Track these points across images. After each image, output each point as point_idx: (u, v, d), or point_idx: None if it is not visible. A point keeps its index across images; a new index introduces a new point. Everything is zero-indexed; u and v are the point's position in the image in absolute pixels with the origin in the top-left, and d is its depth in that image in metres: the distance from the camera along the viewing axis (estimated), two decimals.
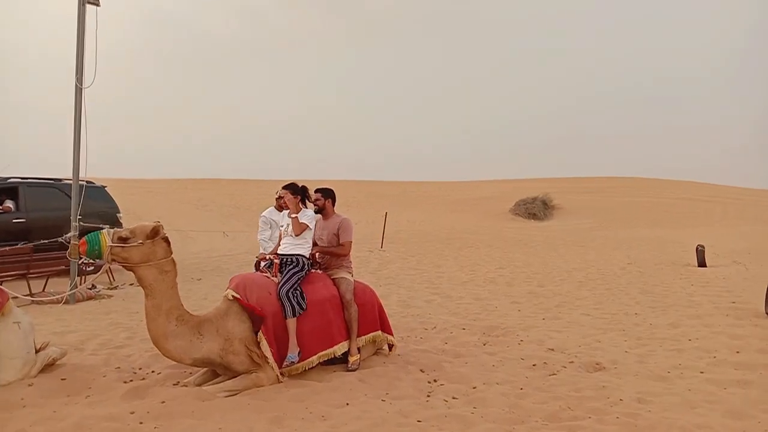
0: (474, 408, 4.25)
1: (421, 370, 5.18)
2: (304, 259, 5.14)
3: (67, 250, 9.19)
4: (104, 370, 5.01)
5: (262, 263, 5.33)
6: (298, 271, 5.02)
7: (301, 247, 5.15)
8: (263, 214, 7.13)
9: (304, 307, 4.87)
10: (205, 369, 4.80)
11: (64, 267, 9.89)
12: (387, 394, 4.49)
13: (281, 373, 4.72)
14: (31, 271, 9.48)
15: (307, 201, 5.35)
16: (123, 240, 4.27)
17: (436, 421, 3.95)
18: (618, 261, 15.31)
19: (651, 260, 15.52)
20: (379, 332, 5.55)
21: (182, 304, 4.52)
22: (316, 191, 5.56)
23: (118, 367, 5.12)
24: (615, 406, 4.40)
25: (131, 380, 4.75)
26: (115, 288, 10.30)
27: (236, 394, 4.41)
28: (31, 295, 8.94)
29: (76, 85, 8.70)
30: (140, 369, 5.13)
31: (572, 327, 7.28)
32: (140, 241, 4.30)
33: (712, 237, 21.73)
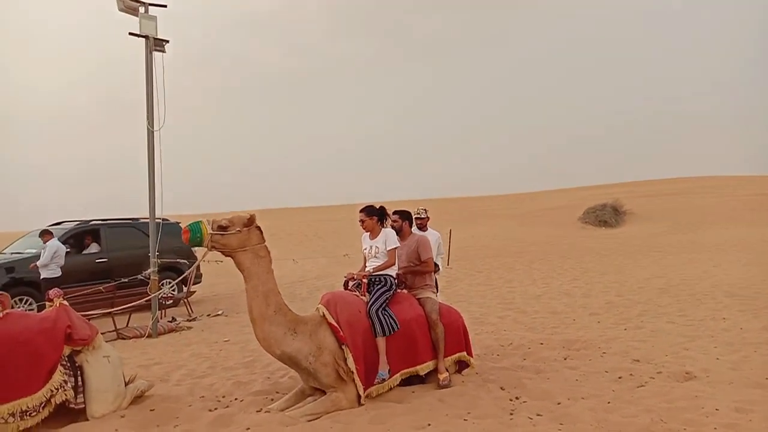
0: (561, 424, 4.11)
1: (501, 388, 5.06)
2: (391, 279, 5.22)
3: (147, 285, 9.62)
4: (189, 400, 5.15)
5: (350, 283, 5.40)
6: (386, 291, 5.10)
7: (390, 268, 5.25)
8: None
9: (397, 327, 4.93)
10: (289, 395, 4.88)
11: (146, 302, 10.29)
12: (469, 413, 4.40)
13: (364, 395, 4.73)
14: (116, 307, 9.90)
15: (385, 221, 5.43)
16: (222, 228, 4.55)
17: None
18: (699, 264, 14.61)
19: (734, 261, 14.73)
20: (464, 353, 5.52)
21: (280, 294, 4.72)
22: (394, 213, 5.69)
23: (203, 396, 5.25)
24: (711, 416, 4.16)
25: (216, 408, 4.85)
26: (194, 320, 10.62)
27: (318, 418, 4.44)
28: (116, 330, 9.35)
29: (147, 129, 9.12)
30: (224, 397, 5.24)
31: (657, 336, 6.97)
32: (238, 229, 4.58)
33: None
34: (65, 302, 5.06)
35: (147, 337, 8.98)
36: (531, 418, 4.26)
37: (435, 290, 5.67)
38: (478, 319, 8.95)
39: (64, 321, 4.78)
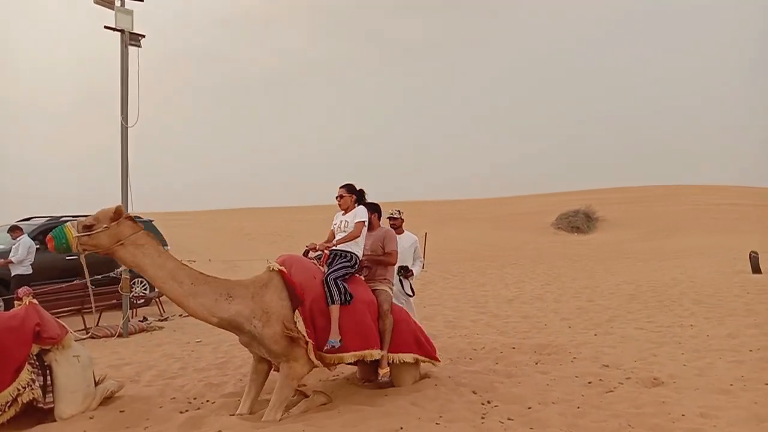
0: (531, 429, 4.16)
1: (473, 392, 5.10)
2: (356, 257, 5.09)
3: (118, 284, 9.48)
4: (160, 401, 5.10)
5: (312, 253, 5.26)
6: (348, 266, 4.97)
7: (356, 244, 5.11)
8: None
9: (350, 298, 4.77)
10: (245, 397, 4.77)
11: (116, 301, 10.17)
12: (441, 417, 4.43)
13: (315, 358, 4.62)
14: (85, 306, 9.75)
15: (361, 205, 5.33)
16: (88, 228, 4.26)
17: None
18: (667, 271, 14.90)
19: (702, 269, 15.06)
20: (415, 355, 5.28)
21: (186, 266, 4.50)
22: (366, 205, 5.53)
23: (174, 398, 5.20)
24: (677, 422, 4.25)
25: (187, 410, 4.81)
26: (166, 320, 10.51)
27: (285, 407, 4.48)
28: (86, 329, 9.20)
29: (121, 124, 9.00)
30: (195, 399, 5.19)
31: (626, 342, 7.09)
32: (105, 225, 4.28)
33: (764, 242, 20.98)
34: (35, 301, 4.98)
35: (118, 336, 8.85)
36: (502, 422, 4.30)
37: (392, 286, 5.54)
38: (451, 322, 9.01)
39: (33, 319, 4.70)
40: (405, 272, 6.24)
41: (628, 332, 7.70)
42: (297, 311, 4.56)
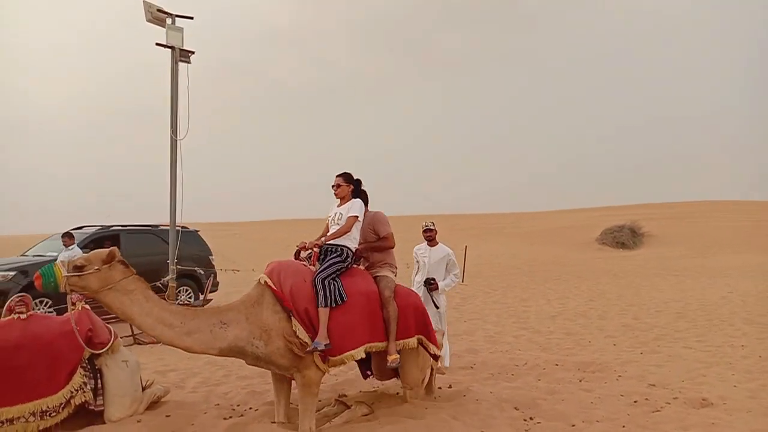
0: None
1: (515, 408, 5.04)
2: (347, 250, 4.84)
3: (165, 292, 9.71)
4: (205, 407, 5.21)
5: (302, 253, 5.01)
6: (339, 261, 4.73)
7: (347, 238, 4.85)
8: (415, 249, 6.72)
9: (344, 298, 4.57)
10: (278, 403, 4.77)
11: None
12: None
13: (325, 368, 4.52)
14: None
15: (358, 195, 5.11)
16: (78, 269, 4.16)
17: None
18: (717, 290, 14.44)
19: (753, 288, 14.54)
20: (422, 337, 5.07)
21: (172, 305, 4.42)
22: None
23: (218, 404, 5.30)
24: None
25: (230, 417, 4.90)
26: None
27: (328, 423, 4.53)
28: (133, 335, 9.44)
29: (171, 137, 9.26)
30: (238, 406, 5.29)
31: (673, 361, 6.90)
32: (96, 267, 4.17)
33: None
34: (87, 306, 5.16)
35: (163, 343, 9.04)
36: None
37: (394, 269, 5.26)
38: (493, 337, 8.92)
39: (86, 324, 4.87)
40: (429, 285, 6.14)
41: (675, 351, 7.50)
42: (294, 320, 4.41)
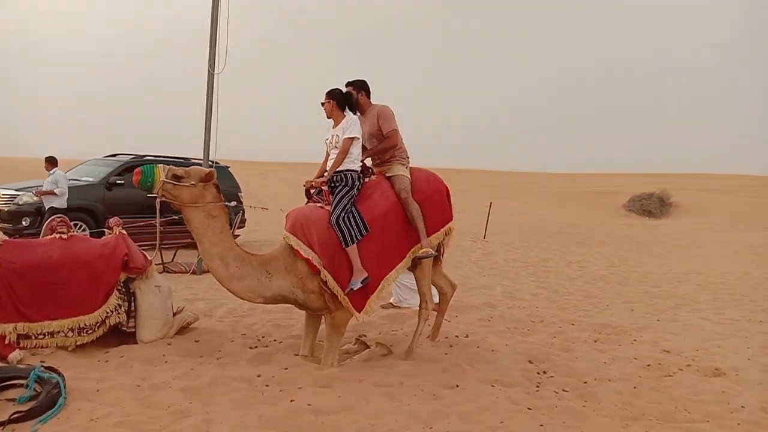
0: (585, 402, 4.23)
1: (529, 361, 5.19)
2: (353, 174, 4.73)
3: None
4: (231, 336, 5.46)
5: (312, 191, 4.97)
6: (348, 191, 4.63)
7: (349, 161, 4.74)
8: None
9: (365, 230, 4.53)
10: (306, 337, 4.95)
11: (191, 240, 10.70)
12: (496, 380, 4.55)
13: (360, 316, 4.66)
14: (163, 242, 10.30)
15: (352, 109, 4.97)
16: (176, 178, 4.31)
17: (546, 410, 3.98)
18: (741, 265, 14.33)
19: None
20: (450, 225, 5.18)
21: (237, 246, 4.53)
22: (347, 85, 5.09)
23: (244, 334, 5.55)
24: (736, 412, 4.22)
25: (256, 347, 5.14)
26: None
27: (348, 360, 4.74)
28: (162, 263, 9.76)
29: (208, 71, 9.31)
30: (263, 337, 5.53)
31: (690, 330, 6.97)
32: (192, 182, 4.34)
33: None
34: (124, 231, 5.37)
35: (192, 273, 9.37)
36: (557, 393, 4.39)
37: (405, 161, 5.11)
38: (511, 293, 9.05)
39: (122, 249, 5.09)
40: None
41: (693, 321, 7.55)
42: (324, 271, 4.42)
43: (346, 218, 4.48)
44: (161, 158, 12.78)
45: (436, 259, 5.26)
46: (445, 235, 5.21)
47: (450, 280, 5.73)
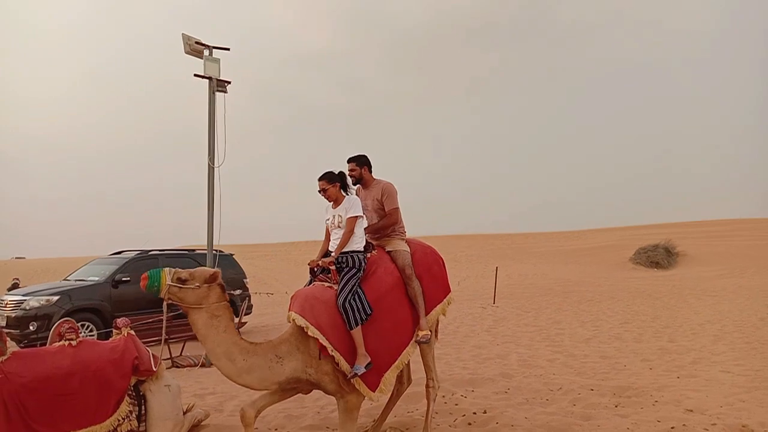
0: None
1: None
2: (359, 255, 4.79)
3: None
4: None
5: (316, 270, 4.96)
6: (354, 273, 4.67)
7: (354, 241, 4.80)
8: None
9: (368, 311, 4.52)
10: (271, 394, 4.69)
11: None
12: None
13: (374, 397, 4.56)
14: (171, 336, 10.24)
15: (347, 188, 5.04)
16: (181, 281, 4.32)
17: None
18: (755, 311, 14.13)
19: None
20: (449, 296, 5.21)
21: (242, 340, 4.45)
22: (349, 161, 5.20)
23: (256, 428, 5.41)
24: None
25: None
26: None
27: None
28: (171, 358, 9.66)
29: (208, 165, 9.55)
30: (276, 430, 5.42)
31: (711, 385, 6.81)
32: (197, 284, 4.33)
33: None
34: (132, 332, 5.34)
35: (201, 366, 9.25)
36: None
37: (403, 234, 5.19)
38: (526, 361, 8.89)
39: (132, 352, 5.03)
40: None
41: (713, 375, 7.39)
42: (336, 353, 4.38)
43: (351, 301, 4.49)
44: (166, 251, 12.91)
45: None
46: (446, 306, 5.22)
47: (410, 372, 5.62)
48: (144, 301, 11.60)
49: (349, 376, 4.37)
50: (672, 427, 5.21)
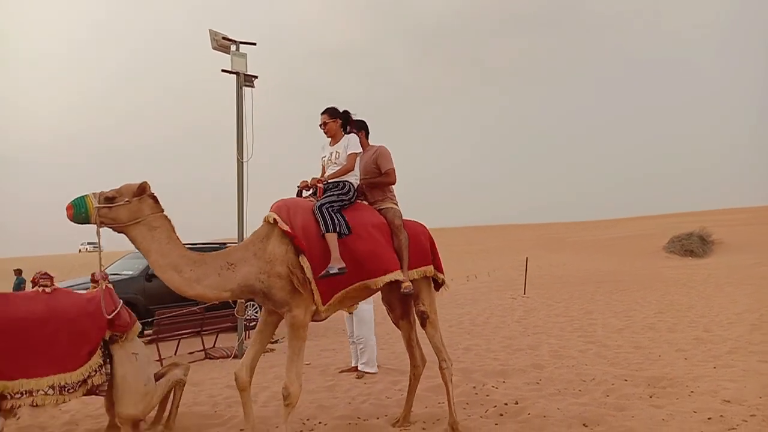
0: None
1: (584, 425, 5.00)
2: (351, 185, 4.75)
3: (234, 308, 10.06)
4: (276, 422, 5.39)
5: (305, 192, 4.88)
6: (340, 194, 4.62)
7: (350, 175, 4.77)
8: None
9: (345, 229, 4.45)
10: (252, 345, 4.77)
11: (231, 324, 10.83)
12: None
13: (324, 308, 4.43)
14: (204, 328, 10.41)
15: (348, 126, 5.01)
16: (109, 200, 4.11)
17: None
18: None
19: None
20: (431, 267, 5.08)
21: (189, 252, 4.29)
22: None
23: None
24: None
25: (301, 431, 5.06)
26: (276, 342, 10.98)
27: (300, 372, 4.42)
28: (204, 350, 9.82)
29: (237, 159, 9.63)
30: (308, 420, 5.45)
31: (749, 376, 6.65)
32: (126, 200, 4.14)
33: None
34: (110, 285, 4.98)
35: (233, 357, 9.38)
36: None
37: (396, 203, 5.14)
38: (557, 352, 8.81)
39: (110, 305, 4.74)
40: None
41: (751, 365, 7.22)
42: (302, 256, 4.28)
43: (328, 209, 4.46)
44: (196, 245, 13.08)
45: (425, 320, 5.06)
46: (424, 277, 5.05)
47: (422, 353, 5.48)
48: (175, 295, 11.78)
49: (320, 275, 4.26)
50: (709, 418, 5.10)
